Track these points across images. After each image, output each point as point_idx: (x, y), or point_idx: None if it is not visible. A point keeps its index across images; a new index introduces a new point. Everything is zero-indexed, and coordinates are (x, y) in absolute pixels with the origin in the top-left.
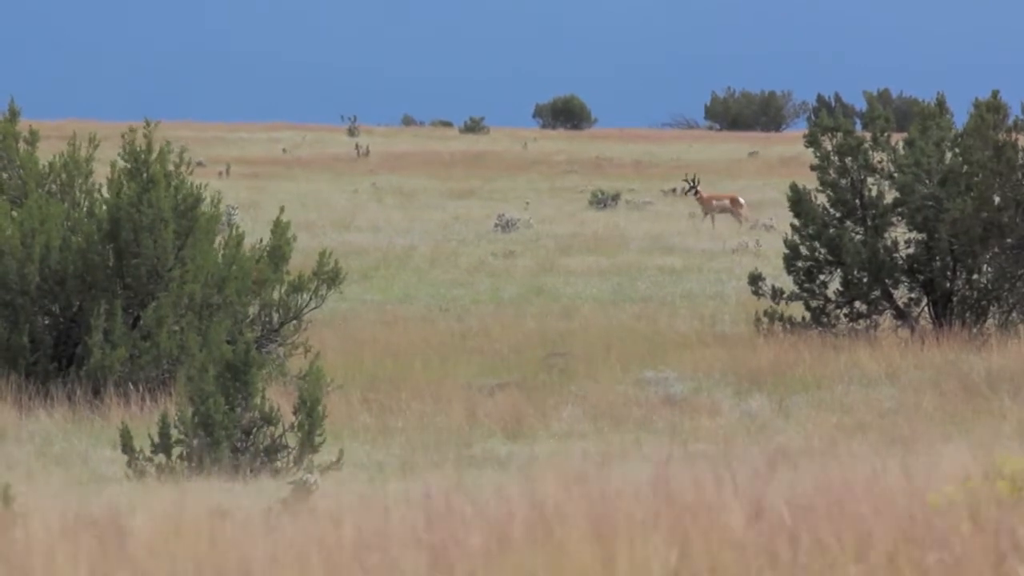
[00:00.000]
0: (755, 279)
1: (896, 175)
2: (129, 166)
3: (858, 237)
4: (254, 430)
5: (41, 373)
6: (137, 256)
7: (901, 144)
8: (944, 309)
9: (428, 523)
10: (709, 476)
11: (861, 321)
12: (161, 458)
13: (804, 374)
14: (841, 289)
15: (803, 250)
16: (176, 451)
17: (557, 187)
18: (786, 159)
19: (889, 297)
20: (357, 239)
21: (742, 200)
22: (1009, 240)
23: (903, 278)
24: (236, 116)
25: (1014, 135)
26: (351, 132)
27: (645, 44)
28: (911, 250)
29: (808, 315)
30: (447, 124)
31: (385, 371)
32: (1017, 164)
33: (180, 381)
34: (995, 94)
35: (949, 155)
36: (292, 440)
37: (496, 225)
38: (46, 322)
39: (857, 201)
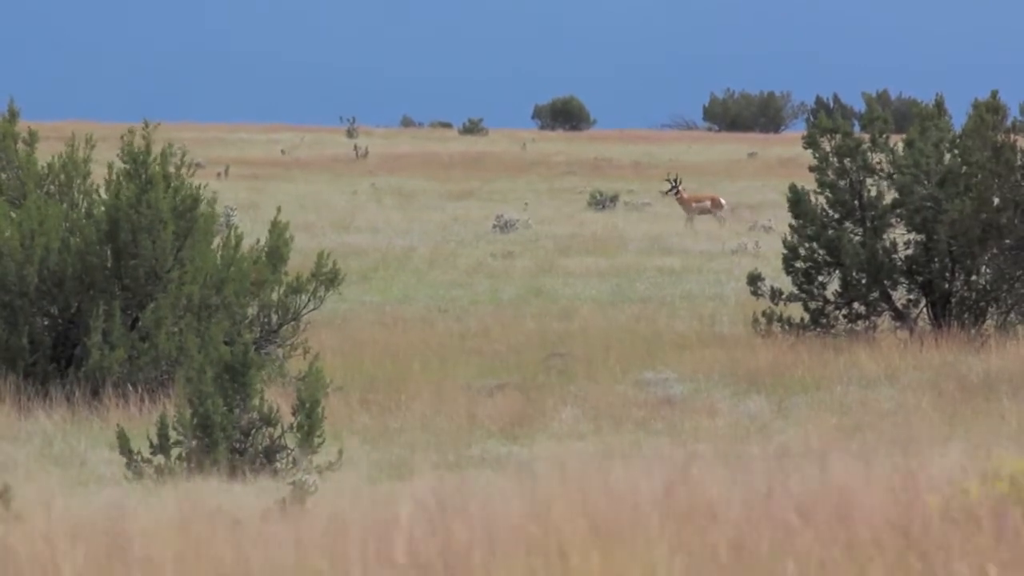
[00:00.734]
0: (754, 280)
1: (895, 176)
2: (128, 167)
3: (857, 238)
4: (253, 431)
5: (40, 374)
6: (136, 257)
7: (900, 145)
8: (943, 310)
9: (427, 524)
10: (709, 477)
11: (860, 322)
12: (160, 459)
13: (803, 375)
14: (840, 290)
15: (802, 251)
16: (175, 452)
17: (556, 188)
18: (785, 160)
19: (888, 298)
20: (356, 240)
21: (723, 201)
22: (1008, 241)
23: (902, 279)
24: (235, 117)
25: (1013, 136)
26: (350, 133)
27: (644, 45)
28: (910, 251)
29: (807, 316)
30: (446, 125)
31: (384, 372)
32: (1016, 165)
33: (179, 382)
34: (994, 95)
35: (948, 156)
36: (291, 441)
37: (495, 226)
38: (45, 323)
39: (856, 202)
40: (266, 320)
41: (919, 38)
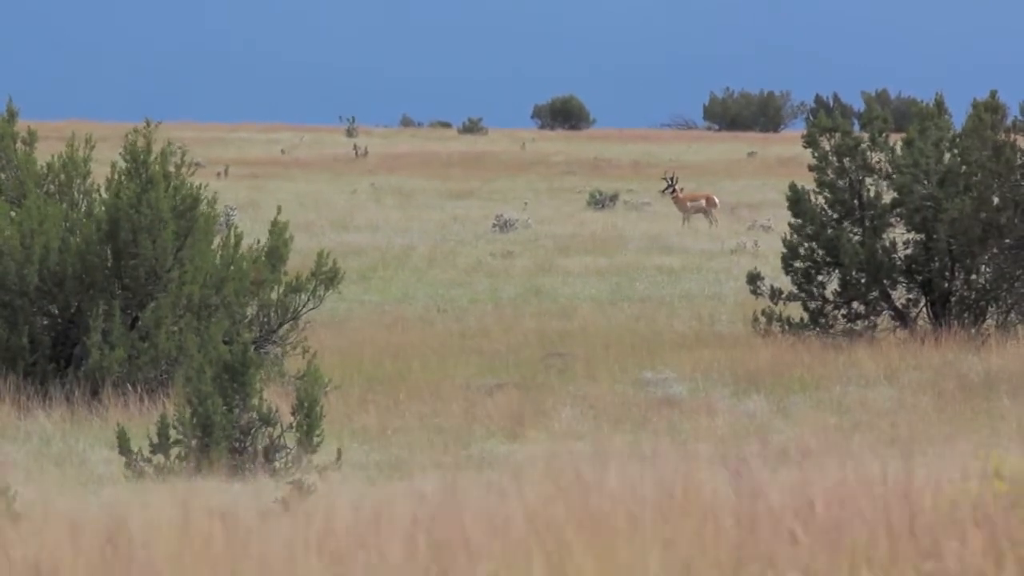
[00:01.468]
0: (753, 279)
1: (894, 175)
2: (128, 166)
3: (856, 238)
4: (252, 431)
5: (40, 374)
6: (136, 257)
7: (899, 144)
8: (942, 310)
9: (426, 524)
10: (707, 477)
11: (859, 322)
12: (159, 459)
13: (802, 374)
14: (839, 289)
15: (801, 250)
16: (174, 452)
17: (555, 187)
18: (784, 159)
19: (887, 297)
20: (355, 239)
21: (716, 200)
22: (1007, 240)
23: (901, 279)
24: (235, 116)
25: (1012, 135)
26: (349, 133)
27: (643, 44)
28: (909, 251)
29: (806, 315)
30: (446, 125)
31: (383, 371)
32: (1015, 164)
33: (178, 382)
34: (993, 94)
35: (947, 155)
36: (290, 440)
37: (494, 225)
38: (44, 323)
39: (855, 201)
40: (265, 320)
41: (919, 38)
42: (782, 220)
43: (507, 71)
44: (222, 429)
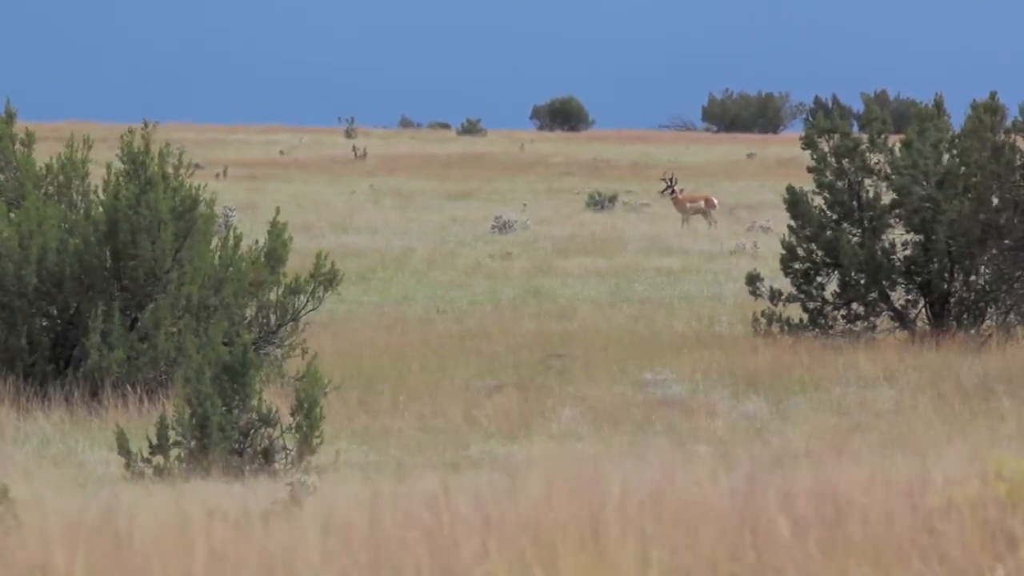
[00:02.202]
0: (753, 280)
1: (893, 177)
2: (127, 168)
3: (855, 239)
4: (251, 432)
5: (39, 375)
6: (135, 258)
7: (898, 146)
8: (942, 311)
9: (425, 524)
10: (706, 478)
11: (859, 323)
12: (159, 460)
13: (802, 376)
14: (838, 291)
15: (800, 252)
16: (174, 453)
17: (554, 188)
18: (783, 161)
19: (886, 299)
20: (355, 241)
21: (715, 201)
22: (1007, 242)
23: (900, 280)
24: (234, 117)
25: (1012, 136)
26: (348, 134)
27: (642, 45)
28: (908, 252)
29: (805, 317)
30: (444, 126)
31: (383, 372)
32: (1015, 166)
33: (177, 383)
34: (993, 95)
35: (947, 157)
36: (290, 442)
37: (493, 227)
38: (43, 324)
39: (854, 203)
40: (265, 321)
41: (918, 38)
42: (781, 221)
43: (506, 72)
44: (221, 430)
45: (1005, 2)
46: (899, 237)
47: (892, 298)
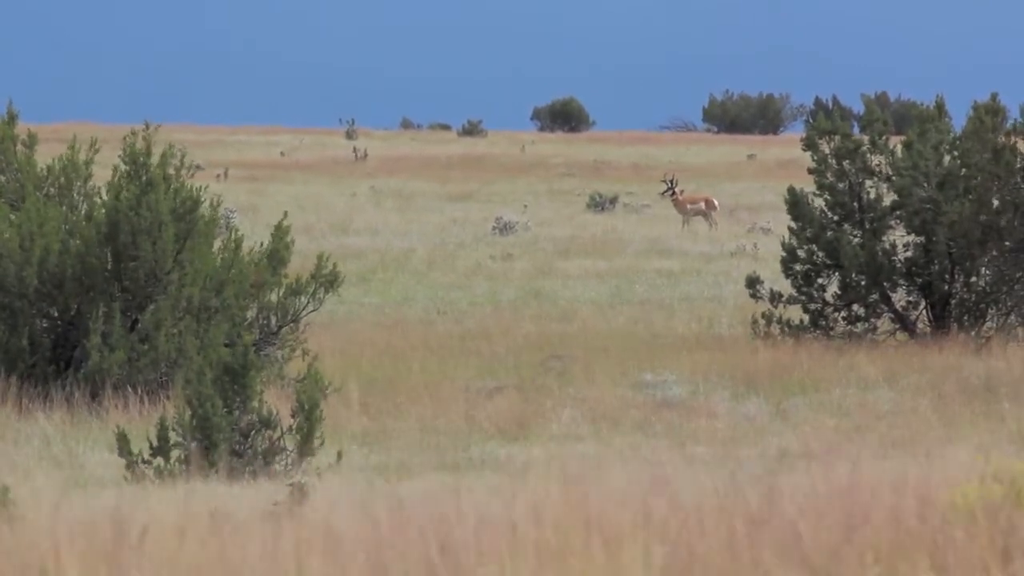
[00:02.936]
0: (753, 282)
1: (894, 178)
2: (128, 169)
3: (856, 240)
4: (252, 433)
5: (39, 376)
6: (135, 259)
7: (899, 147)
8: (942, 312)
9: (425, 525)
10: (706, 479)
11: (859, 324)
12: (159, 461)
13: (802, 377)
14: (839, 292)
15: (801, 253)
16: (174, 454)
17: (555, 190)
18: (784, 162)
19: (887, 300)
20: (355, 242)
21: (716, 202)
22: (1007, 243)
23: (901, 281)
24: (234, 118)
25: (1013, 138)
26: (349, 135)
27: (643, 46)
28: (909, 253)
29: (806, 318)
30: (445, 127)
31: (383, 373)
32: (1016, 167)
33: (178, 384)
34: (994, 97)
35: (947, 158)
36: (290, 443)
37: (494, 228)
38: (44, 325)
39: (855, 204)
40: (265, 322)
41: (919, 39)
42: (782, 223)
43: (507, 73)
44: (222, 431)
45: (1005, 2)
46: (900, 239)
47: (893, 300)
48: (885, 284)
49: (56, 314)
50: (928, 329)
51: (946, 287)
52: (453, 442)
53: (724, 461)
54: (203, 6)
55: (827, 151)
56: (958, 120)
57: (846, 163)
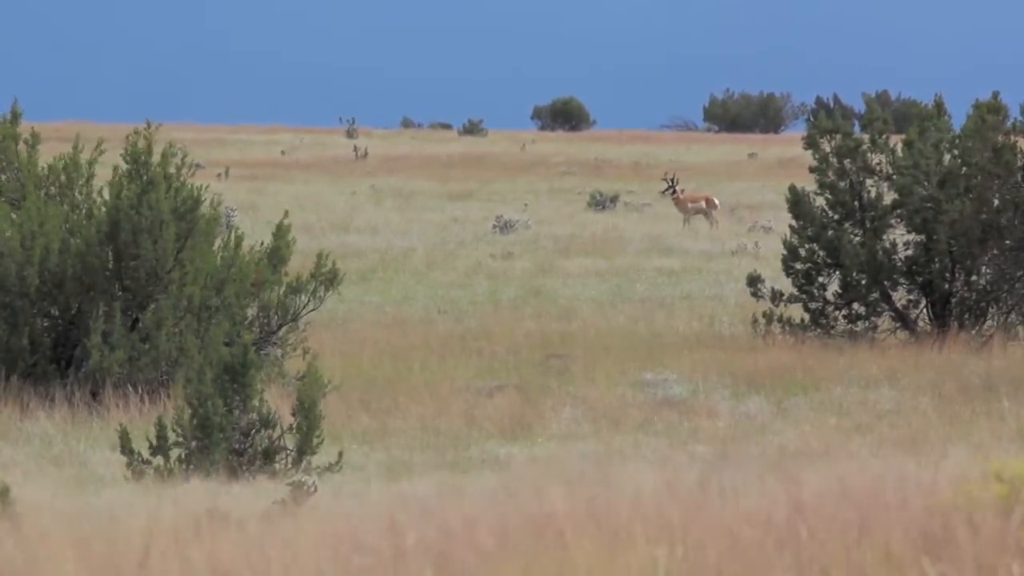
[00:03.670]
0: (754, 281)
1: (895, 177)
2: (129, 168)
3: (857, 239)
4: (252, 432)
5: (40, 375)
6: (136, 258)
7: (900, 146)
8: (943, 311)
9: (426, 525)
10: (706, 477)
11: (860, 323)
12: (159, 460)
13: (803, 376)
14: (840, 291)
15: (802, 252)
16: (174, 453)
17: (556, 188)
18: (785, 161)
19: (888, 299)
20: (355, 241)
21: (716, 201)
22: (1008, 242)
23: (902, 280)
24: (235, 117)
25: (1013, 137)
26: (349, 134)
27: (644, 45)
28: (910, 252)
29: (807, 317)
30: (446, 126)
31: (383, 373)
32: (1016, 166)
33: (179, 383)
34: (995, 95)
35: (948, 157)
36: (290, 442)
37: (494, 227)
38: (45, 324)
39: (856, 203)
40: (266, 321)
41: (919, 38)
42: (782, 221)
43: (507, 72)
44: (222, 431)
45: (1005, 2)
46: (900, 237)
47: (893, 298)
48: (886, 283)
49: (57, 313)
50: (929, 328)
51: (947, 286)
52: (453, 441)
53: (724, 460)
54: (203, 6)
55: (828, 150)
56: (958, 119)
57: (847, 162)
